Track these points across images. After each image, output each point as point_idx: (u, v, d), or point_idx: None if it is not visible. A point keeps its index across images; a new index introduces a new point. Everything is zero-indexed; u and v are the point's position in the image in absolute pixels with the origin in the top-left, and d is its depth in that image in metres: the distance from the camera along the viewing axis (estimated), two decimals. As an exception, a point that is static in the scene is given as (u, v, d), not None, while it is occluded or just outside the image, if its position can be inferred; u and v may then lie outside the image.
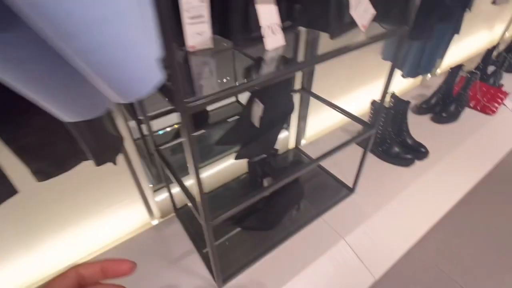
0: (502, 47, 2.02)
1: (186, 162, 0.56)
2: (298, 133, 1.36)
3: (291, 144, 1.39)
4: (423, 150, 1.32)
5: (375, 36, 0.70)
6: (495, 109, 1.60)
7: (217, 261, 0.80)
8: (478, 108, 1.63)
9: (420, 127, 1.51)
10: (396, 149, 1.29)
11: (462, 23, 1.30)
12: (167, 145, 1.10)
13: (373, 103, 1.29)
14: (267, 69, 0.62)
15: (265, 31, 0.62)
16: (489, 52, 1.72)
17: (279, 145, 1.36)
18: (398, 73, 1.43)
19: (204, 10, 0.60)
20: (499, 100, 1.63)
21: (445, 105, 1.56)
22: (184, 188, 0.73)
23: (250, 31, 0.61)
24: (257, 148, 0.82)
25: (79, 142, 0.63)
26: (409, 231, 1.12)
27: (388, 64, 1.42)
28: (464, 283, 1.12)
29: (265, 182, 1.00)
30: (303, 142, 1.41)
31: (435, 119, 1.55)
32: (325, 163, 1.28)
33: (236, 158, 0.80)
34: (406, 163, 1.29)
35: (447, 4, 0.85)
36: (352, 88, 1.44)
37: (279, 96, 0.79)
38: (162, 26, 0.36)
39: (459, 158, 1.36)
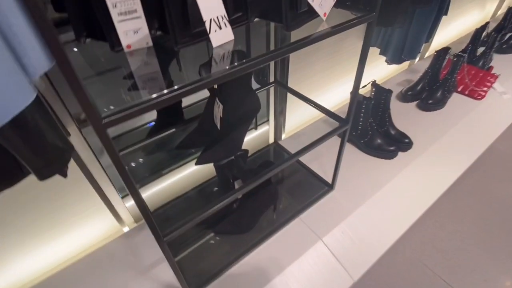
0: (492, 26, 1.94)
1: (157, 164, 0.50)
2: (276, 128, 1.29)
3: (271, 139, 1.33)
4: (406, 140, 1.27)
5: (338, 25, 0.63)
6: (484, 93, 1.54)
7: (182, 276, 0.75)
8: (466, 92, 1.56)
9: (405, 116, 1.45)
10: (379, 140, 1.24)
11: (451, 3, 1.22)
12: (135, 146, 1.04)
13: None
14: (216, 67, 0.55)
15: (209, 26, 0.55)
16: (478, 32, 1.64)
17: (259, 141, 1.30)
18: (382, 59, 1.36)
19: (137, 4, 0.53)
20: (488, 84, 1.56)
21: (431, 91, 1.49)
22: (137, 200, 0.67)
23: (192, 26, 0.54)
24: (220, 151, 0.76)
25: (15, 154, 0.56)
26: (392, 227, 1.07)
27: (372, 50, 1.34)
28: (448, 278, 1.09)
29: (236, 185, 0.94)
30: (283, 136, 1.35)
31: (421, 106, 1.49)
32: (305, 158, 1.23)
33: (197, 163, 0.74)
34: (389, 155, 1.24)
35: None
36: (332, 78, 1.37)
37: (239, 95, 0.72)
38: (42, 31, 0.30)
39: (444, 148, 1.31)
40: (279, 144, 1.33)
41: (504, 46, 1.89)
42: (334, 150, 1.01)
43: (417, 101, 1.53)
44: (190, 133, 0.82)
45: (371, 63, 1.53)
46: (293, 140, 1.35)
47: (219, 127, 0.75)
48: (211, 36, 0.55)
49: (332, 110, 0.97)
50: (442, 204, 1.31)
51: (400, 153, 1.26)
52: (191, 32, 0.54)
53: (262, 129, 1.26)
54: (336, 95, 1.46)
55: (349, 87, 1.41)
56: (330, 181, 1.12)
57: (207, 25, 0.55)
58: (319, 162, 1.22)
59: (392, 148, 1.23)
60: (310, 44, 0.59)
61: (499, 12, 2.43)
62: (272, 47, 0.98)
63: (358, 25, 0.66)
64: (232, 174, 0.90)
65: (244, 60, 0.53)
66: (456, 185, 1.22)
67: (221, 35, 0.56)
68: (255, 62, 0.53)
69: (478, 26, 1.65)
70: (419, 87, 1.52)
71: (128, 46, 0.55)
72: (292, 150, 1.28)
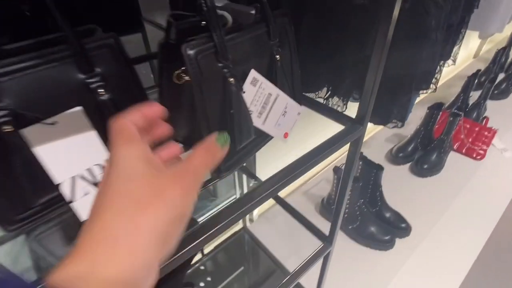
0: (477, 66, 1.79)
1: None
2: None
3: (238, 224, 1.07)
4: (403, 225, 1.03)
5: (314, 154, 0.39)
6: (483, 152, 1.35)
7: None
8: (463, 151, 1.37)
9: (397, 185, 1.22)
10: (371, 228, 1.00)
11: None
12: None
13: (336, 170, 0.99)
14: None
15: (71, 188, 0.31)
16: (470, 80, 1.47)
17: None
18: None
19: None
20: (486, 140, 1.38)
21: (426, 153, 1.28)
22: None
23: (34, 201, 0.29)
24: None
25: None
26: None
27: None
28: None
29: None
30: (255, 216, 1.10)
31: (415, 171, 1.28)
32: (279, 253, 0.97)
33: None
34: (385, 246, 1.00)
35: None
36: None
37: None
38: None
39: (450, 228, 1.08)
40: (248, 230, 1.07)
41: (495, 92, 1.74)
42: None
43: (409, 163, 1.32)
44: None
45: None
46: (266, 224, 1.09)
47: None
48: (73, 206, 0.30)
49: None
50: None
51: (397, 240, 1.02)
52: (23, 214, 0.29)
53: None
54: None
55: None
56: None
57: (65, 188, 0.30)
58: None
59: (387, 237, 0.99)
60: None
61: (483, 49, 2.33)
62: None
63: (342, 146, 0.43)
64: None
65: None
66: (473, 271, 0.98)
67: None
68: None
69: (462, 66, 1.49)
70: (410, 148, 1.32)
71: None
72: (266, 239, 1.02)
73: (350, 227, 1.02)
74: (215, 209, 0.95)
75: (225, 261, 1.00)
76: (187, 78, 0.31)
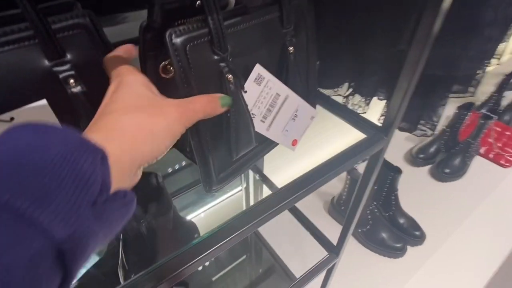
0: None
1: None
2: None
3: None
4: (417, 233, 0.97)
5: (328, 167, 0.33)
6: (512, 159, 1.24)
7: None
8: (491, 156, 1.26)
9: (415, 188, 1.14)
10: (382, 234, 0.94)
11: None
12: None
13: (350, 171, 0.92)
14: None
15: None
16: (505, 80, 1.34)
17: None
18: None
19: None
20: (518, 146, 1.27)
21: (449, 156, 1.19)
22: None
23: None
24: None
25: None
26: None
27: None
28: None
29: None
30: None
31: (435, 174, 1.19)
32: (282, 251, 0.93)
33: None
34: (395, 254, 0.94)
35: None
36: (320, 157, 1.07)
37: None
38: None
39: (468, 240, 1.01)
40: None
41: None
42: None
43: (430, 165, 1.23)
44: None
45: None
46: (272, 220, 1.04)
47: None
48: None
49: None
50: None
51: (409, 248, 0.96)
52: None
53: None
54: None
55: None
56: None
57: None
58: (302, 259, 0.92)
59: (399, 245, 0.93)
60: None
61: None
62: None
63: (363, 158, 0.36)
64: None
65: None
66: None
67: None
68: None
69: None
70: (433, 149, 1.23)
71: None
72: (271, 238, 0.98)
73: (359, 230, 0.97)
74: (217, 200, 0.91)
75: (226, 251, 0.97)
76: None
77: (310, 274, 0.58)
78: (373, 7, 0.44)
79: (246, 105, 0.28)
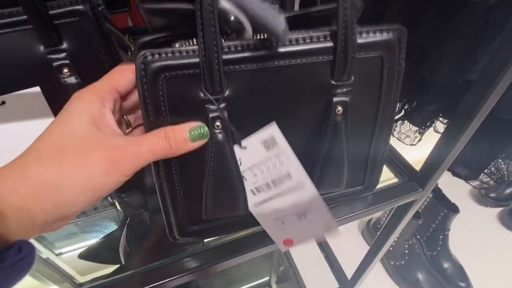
0: None
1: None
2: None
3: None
4: (462, 284, 0.83)
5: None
6: None
7: None
8: None
9: (474, 231, 0.98)
10: (418, 274, 0.82)
11: None
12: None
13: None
14: None
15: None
16: None
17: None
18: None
19: None
20: None
21: (529, 203, 0.98)
22: None
23: None
24: None
25: None
26: None
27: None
28: None
29: None
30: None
31: (506, 221, 0.99)
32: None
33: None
34: (428, 300, 0.82)
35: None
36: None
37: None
38: None
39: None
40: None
41: None
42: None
43: (501, 208, 1.04)
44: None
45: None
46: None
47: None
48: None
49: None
50: None
51: (447, 298, 0.83)
52: None
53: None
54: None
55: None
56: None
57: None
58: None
59: (435, 292, 0.81)
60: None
61: None
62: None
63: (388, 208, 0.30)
64: None
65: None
66: None
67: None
68: None
69: None
70: (509, 190, 1.02)
71: None
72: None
73: (392, 262, 0.86)
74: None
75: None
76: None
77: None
78: (459, 28, 0.35)
79: (236, 162, 0.22)
